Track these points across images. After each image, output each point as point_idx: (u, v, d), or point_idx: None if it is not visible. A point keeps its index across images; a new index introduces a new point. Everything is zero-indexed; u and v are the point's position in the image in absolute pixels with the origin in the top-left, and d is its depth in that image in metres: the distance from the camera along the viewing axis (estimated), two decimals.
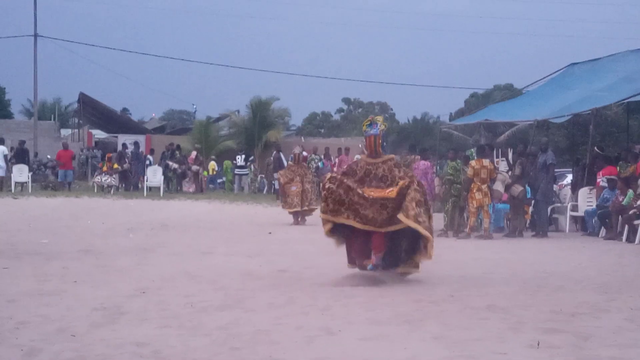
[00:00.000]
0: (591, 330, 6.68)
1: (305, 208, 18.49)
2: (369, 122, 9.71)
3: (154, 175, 30.26)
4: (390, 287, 9.00)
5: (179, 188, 30.68)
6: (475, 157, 16.75)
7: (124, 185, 31.22)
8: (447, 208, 16.95)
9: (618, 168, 17.74)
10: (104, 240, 14.15)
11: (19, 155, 30.87)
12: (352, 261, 9.62)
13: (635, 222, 15.42)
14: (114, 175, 30.44)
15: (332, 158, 30.01)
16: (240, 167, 32.54)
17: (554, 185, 18.28)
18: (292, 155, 20.27)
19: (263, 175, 33.10)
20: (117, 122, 47.05)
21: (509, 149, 21.38)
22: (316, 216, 12.53)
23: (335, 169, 23.04)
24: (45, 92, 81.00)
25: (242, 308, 7.64)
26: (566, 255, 13.18)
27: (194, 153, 32.48)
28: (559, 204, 18.77)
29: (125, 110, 61.56)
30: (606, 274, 10.63)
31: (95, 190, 29.69)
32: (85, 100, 42.63)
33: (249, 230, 17.17)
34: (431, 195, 17.69)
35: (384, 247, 9.35)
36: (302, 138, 47.61)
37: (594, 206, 17.30)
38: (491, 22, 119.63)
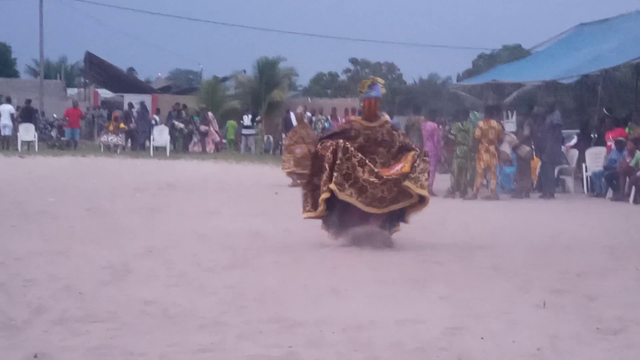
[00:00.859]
0: (597, 291, 6.69)
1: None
2: (369, 83, 9.32)
3: (160, 135, 30.26)
4: (396, 247, 9.00)
5: (193, 147, 30.95)
6: (484, 118, 16.63)
7: (130, 144, 31.24)
8: (453, 169, 16.92)
9: (627, 129, 17.67)
10: (111, 199, 14.16)
11: (26, 114, 30.80)
12: (336, 229, 9.07)
13: None
14: (120, 135, 30.45)
15: (339, 118, 29.91)
16: (247, 127, 32.42)
17: (562, 147, 18.19)
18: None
19: (269, 136, 33.03)
20: (124, 81, 46.92)
21: (513, 111, 21.24)
22: None
23: None
24: (51, 51, 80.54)
25: (248, 267, 7.67)
26: (573, 217, 13.16)
27: (210, 114, 32.54)
28: (566, 165, 18.72)
29: (131, 69, 61.42)
30: (613, 235, 10.63)
31: (102, 150, 29.70)
32: (91, 60, 42.51)
33: (255, 190, 17.16)
34: (437, 157, 17.67)
35: (383, 216, 9.11)
36: (309, 98, 47.40)
37: (602, 167, 17.25)
38: None
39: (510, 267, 7.82)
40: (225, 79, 43.12)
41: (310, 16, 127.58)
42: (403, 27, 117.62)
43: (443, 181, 17.94)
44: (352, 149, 8.86)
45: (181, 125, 31.02)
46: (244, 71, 41.57)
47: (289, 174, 18.35)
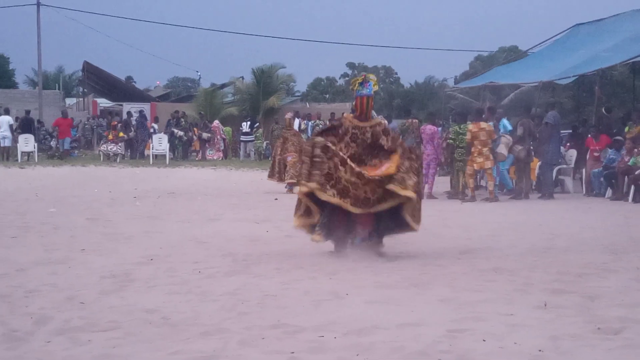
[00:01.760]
0: (598, 291, 6.70)
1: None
2: (361, 81, 8.93)
3: (160, 143, 30.31)
4: (397, 250, 8.99)
5: (194, 154, 31.10)
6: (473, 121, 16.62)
7: (129, 153, 31.27)
8: (452, 172, 17.00)
9: (627, 128, 17.71)
10: (111, 208, 14.18)
11: (25, 124, 30.86)
12: (324, 235, 8.69)
13: None
14: (119, 144, 30.48)
15: None
16: (246, 133, 32.47)
17: (560, 147, 18.22)
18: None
19: (268, 142, 33.08)
20: (122, 90, 46.97)
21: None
22: None
23: None
24: (49, 61, 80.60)
25: (250, 273, 7.67)
26: (572, 217, 13.17)
27: (216, 122, 32.74)
28: (564, 166, 18.74)
29: (129, 78, 61.49)
30: (613, 235, 10.64)
31: (102, 159, 29.73)
32: (89, 69, 42.54)
33: (255, 196, 17.18)
34: (438, 160, 17.69)
35: (372, 223, 8.72)
36: (307, 104, 47.51)
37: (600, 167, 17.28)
38: None
39: (510, 269, 7.82)
40: (223, 85, 43.23)
41: (308, 22, 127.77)
42: (400, 31, 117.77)
43: (443, 184, 17.99)
44: (334, 147, 8.55)
45: (181, 133, 31.07)
46: (242, 78, 41.72)
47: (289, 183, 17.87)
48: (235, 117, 36.08)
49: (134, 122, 32.63)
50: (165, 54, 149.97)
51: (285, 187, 17.89)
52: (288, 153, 17.85)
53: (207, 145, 31.89)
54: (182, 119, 32.09)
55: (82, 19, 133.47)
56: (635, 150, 16.13)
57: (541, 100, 22.92)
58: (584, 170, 18.17)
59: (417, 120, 18.60)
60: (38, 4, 39.21)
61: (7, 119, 29.68)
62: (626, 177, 16.00)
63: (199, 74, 65.20)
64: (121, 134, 30.80)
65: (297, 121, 27.45)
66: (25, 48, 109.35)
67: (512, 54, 41.99)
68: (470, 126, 16.18)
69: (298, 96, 52.88)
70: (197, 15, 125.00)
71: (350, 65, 67.17)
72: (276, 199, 16.35)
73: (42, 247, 9.43)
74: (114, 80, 46.36)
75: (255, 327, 5.55)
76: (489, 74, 27.62)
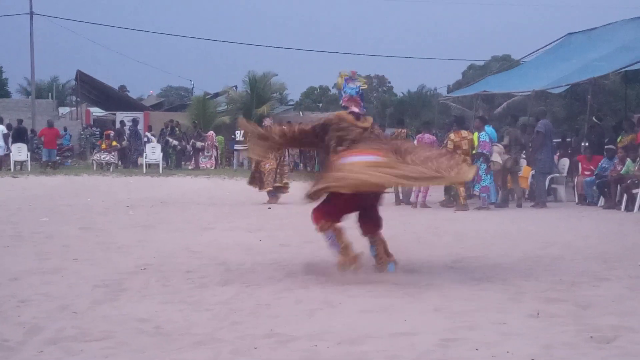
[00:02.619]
0: (591, 299, 6.71)
1: (278, 184, 17.35)
2: (347, 76, 8.36)
3: (153, 152, 30.31)
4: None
5: (187, 163, 31.11)
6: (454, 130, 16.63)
7: (122, 162, 31.25)
8: None
9: (619, 137, 17.77)
10: (104, 217, 14.16)
11: (18, 134, 30.82)
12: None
13: (634, 190, 15.44)
14: (112, 153, 30.47)
15: None
16: (239, 142, 32.49)
17: (553, 156, 18.26)
18: None
19: None
20: (115, 99, 46.92)
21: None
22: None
23: None
24: (42, 70, 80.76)
25: (243, 283, 7.66)
26: (565, 225, 13.20)
27: (211, 133, 32.84)
28: (557, 174, 18.78)
29: (122, 87, 61.34)
30: (606, 243, 10.66)
31: (95, 168, 29.71)
32: (82, 78, 42.51)
33: (248, 205, 17.16)
34: None
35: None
36: (301, 112, 47.52)
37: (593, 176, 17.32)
38: None
39: (503, 277, 7.83)
40: (217, 94, 43.23)
41: (301, 31, 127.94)
42: (393, 40, 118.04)
43: (438, 192, 18.00)
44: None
45: (175, 142, 31.09)
46: (235, 87, 41.76)
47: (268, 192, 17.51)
48: (229, 125, 36.09)
49: (127, 131, 32.63)
50: (159, 63, 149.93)
51: (271, 195, 17.56)
52: (266, 160, 17.14)
53: (200, 154, 31.94)
54: (177, 128, 32.11)
55: (75, 29, 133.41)
56: (628, 159, 16.19)
57: (534, 109, 22.97)
58: (576, 178, 18.22)
59: (405, 130, 18.61)
60: (31, 13, 39.20)
61: (0, 128, 29.65)
62: (619, 185, 16.05)
63: (192, 83, 65.14)
64: (114, 143, 30.80)
65: None
66: (18, 57, 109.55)
67: (504, 63, 42.12)
68: (452, 135, 16.24)
69: (291, 105, 52.90)
70: (190, 25, 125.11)
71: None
72: (269, 208, 16.36)
73: (34, 256, 9.40)
74: (107, 90, 46.31)
75: (248, 336, 5.54)
76: (481, 83, 27.70)
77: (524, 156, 18.12)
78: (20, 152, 29.54)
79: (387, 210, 14.97)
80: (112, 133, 31.90)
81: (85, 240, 11.02)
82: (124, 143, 31.36)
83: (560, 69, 22.42)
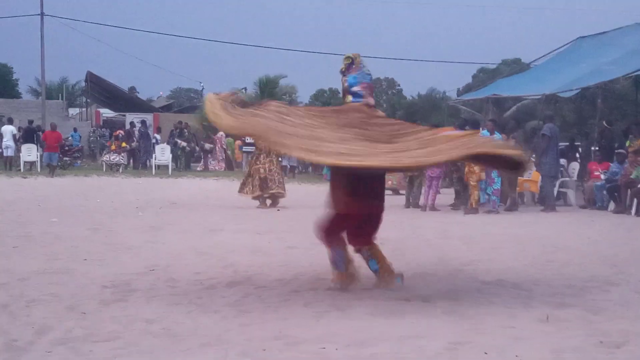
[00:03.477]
0: (601, 304, 6.68)
1: (274, 191, 16.82)
2: (349, 62, 7.53)
3: (162, 154, 30.37)
4: (399, 262, 8.96)
5: (198, 165, 31.22)
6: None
7: (132, 163, 31.32)
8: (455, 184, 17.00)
9: (627, 142, 17.72)
10: (113, 218, 14.18)
11: (28, 134, 30.93)
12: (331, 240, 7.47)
13: None
14: (122, 154, 30.54)
15: None
16: (249, 144, 32.48)
17: (559, 159, 18.19)
18: None
19: None
20: (125, 100, 47.07)
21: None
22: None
23: None
24: (52, 71, 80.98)
25: (251, 284, 7.65)
26: (575, 230, 13.16)
27: (220, 133, 32.77)
28: (567, 178, 18.72)
29: (132, 88, 61.52)
30: (615, 248, 10.63)
31: (104, 169, 29.78)
32: (92, 79, 42.66)
33: (257, 207, 17.15)
34: (442, 172, 17.68)
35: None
36: None
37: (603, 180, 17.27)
38: None
39: (513, 281, 7.81)
40: None
41: (310, 33, 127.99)
42: (403, 43, 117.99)
43: (447, 195, 17.99)
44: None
45: (184, 144, 31.14)
46: (245, 89, 41.79)
47: (255, 197, 17.01)
48: None
49: (136, 133, 32.70)
50: (169, 65, 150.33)
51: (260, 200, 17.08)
52: (260, 165, 16.85)
53: (209, 156, 31.97)
54: (185, 130, 32.17)
55: (85, 30, 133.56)
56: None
57: (543, 113, 22.95)
58: (586, 183, 18.16)
59: None
60: (42, 14, 39.35)
61: (11, 129, 29.78)
62: (629, 190, 15.99)
63: (202, 84, 65.25)
64: (124, 144, 30.88)
65: None
66: (28, 58, 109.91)
67: (515, 67, 42.02)
68: None
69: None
70: (200, 26, 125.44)
71: None
72: (278, 210, 16.35)
73: (43, 256, 9.42)
74: (117, 91, 46.47)
75: (256, 338, 5.53)
76: (491, 87, 27.67)
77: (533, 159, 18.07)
78: (30, 152, 29.63)
79: (396, 213, 15.01)
80: (121, 134, 31.97)
81: (94, 241, 11.04)
82: (134, 144, 31.43)
83: (571, 73, 22.38)
